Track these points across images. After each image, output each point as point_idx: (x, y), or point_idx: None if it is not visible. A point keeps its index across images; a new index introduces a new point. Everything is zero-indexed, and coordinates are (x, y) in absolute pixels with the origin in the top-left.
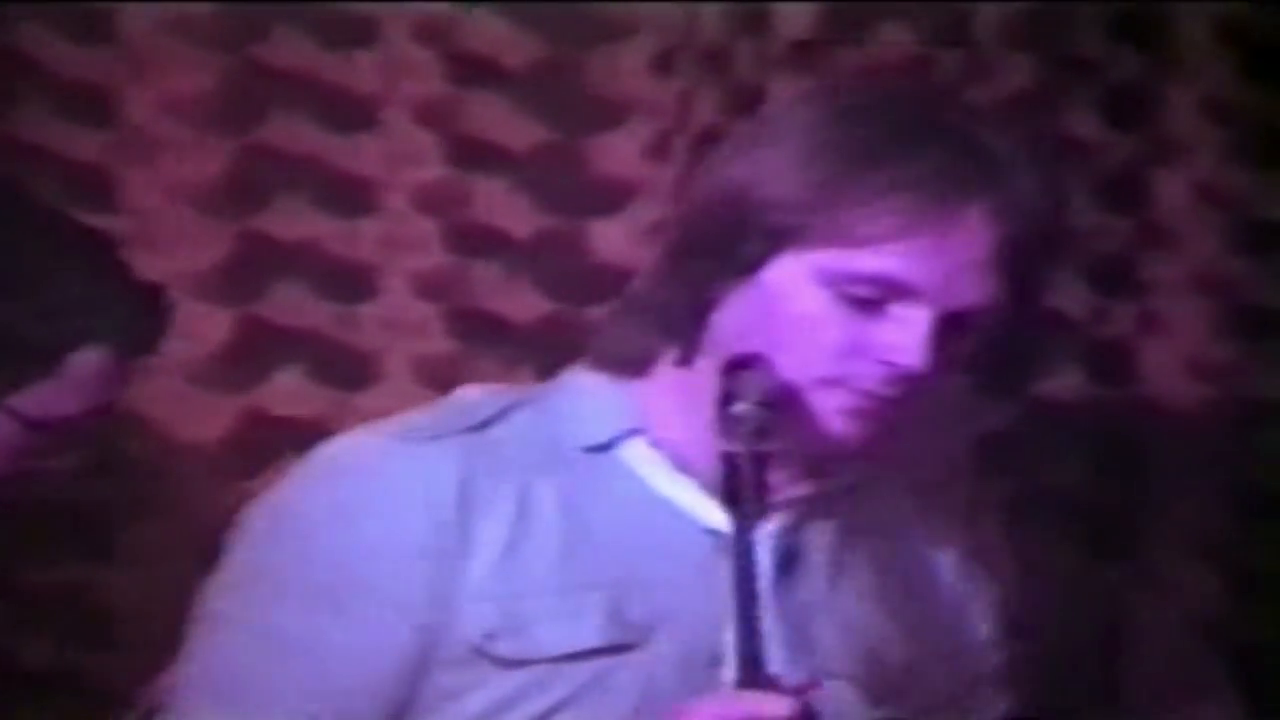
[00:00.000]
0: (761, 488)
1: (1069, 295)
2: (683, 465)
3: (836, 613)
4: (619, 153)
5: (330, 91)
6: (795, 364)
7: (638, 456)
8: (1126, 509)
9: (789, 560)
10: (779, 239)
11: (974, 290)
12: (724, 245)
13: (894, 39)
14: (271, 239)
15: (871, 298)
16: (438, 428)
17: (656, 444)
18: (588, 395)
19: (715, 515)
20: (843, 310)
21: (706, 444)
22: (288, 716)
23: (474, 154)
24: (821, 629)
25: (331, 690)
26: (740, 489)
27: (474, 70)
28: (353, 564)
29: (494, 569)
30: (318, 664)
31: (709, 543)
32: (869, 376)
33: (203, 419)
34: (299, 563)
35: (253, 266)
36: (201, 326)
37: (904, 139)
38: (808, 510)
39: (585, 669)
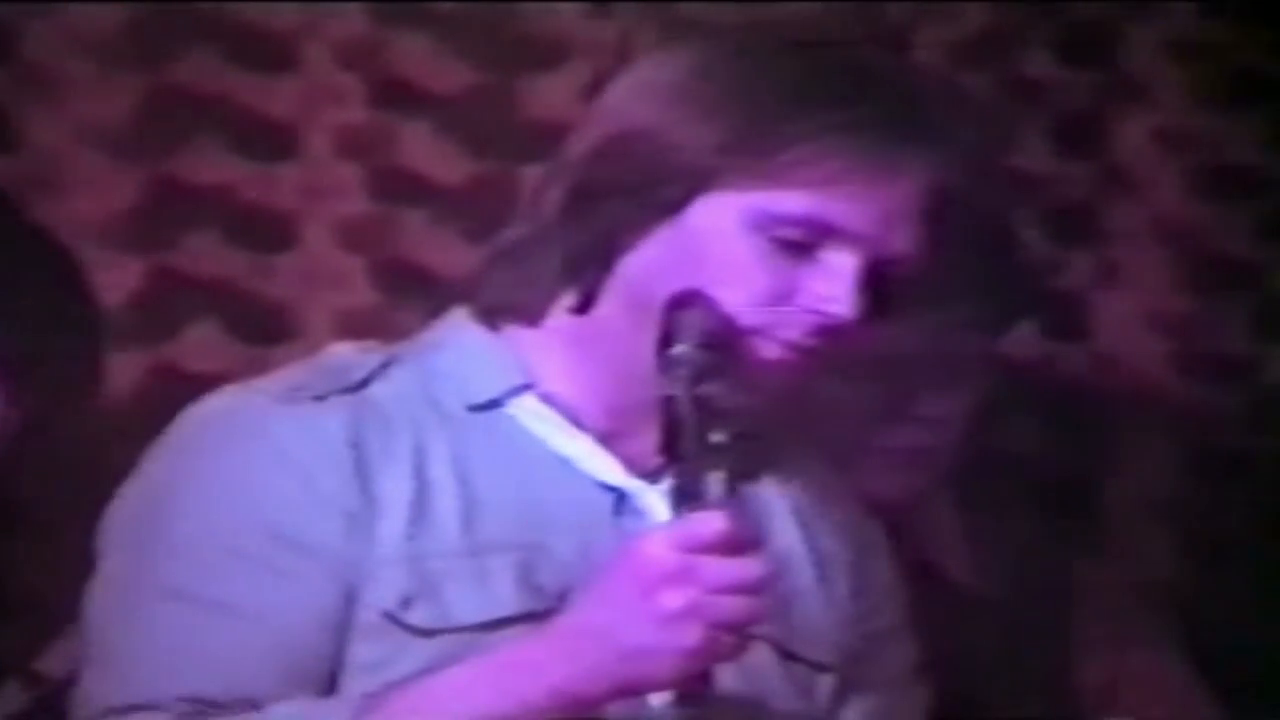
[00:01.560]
0: (703, 434)
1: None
2: (576, 420)
3: None
4: (554, 95)
5: (247, 29)
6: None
7: (529, 413)
8: (1081, 467)
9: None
10: (701, 180)
11: (904, 239)
12: (636, 187)
13: None
14: (184, 184)
15: (801, 241)
16: (318, 387)
17: (547, 399)
18: (471, 351)
19: (613, 471)
20: (771, 254)
21: (602, 395)
22: (230, 682)
23: (399, 95)
24: None
25: (273, 650)
26: (680, 435)
27: (399, 9)
28: (264, 521)
29: (401, 533)
30: (255, 625)
31: (608, 501)
32: (795, 325)
33: (110, 374)
34: (209, 529)
35: (164, 213)
36: (109, 276)
37: (838, 82)
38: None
39: (501, 639)
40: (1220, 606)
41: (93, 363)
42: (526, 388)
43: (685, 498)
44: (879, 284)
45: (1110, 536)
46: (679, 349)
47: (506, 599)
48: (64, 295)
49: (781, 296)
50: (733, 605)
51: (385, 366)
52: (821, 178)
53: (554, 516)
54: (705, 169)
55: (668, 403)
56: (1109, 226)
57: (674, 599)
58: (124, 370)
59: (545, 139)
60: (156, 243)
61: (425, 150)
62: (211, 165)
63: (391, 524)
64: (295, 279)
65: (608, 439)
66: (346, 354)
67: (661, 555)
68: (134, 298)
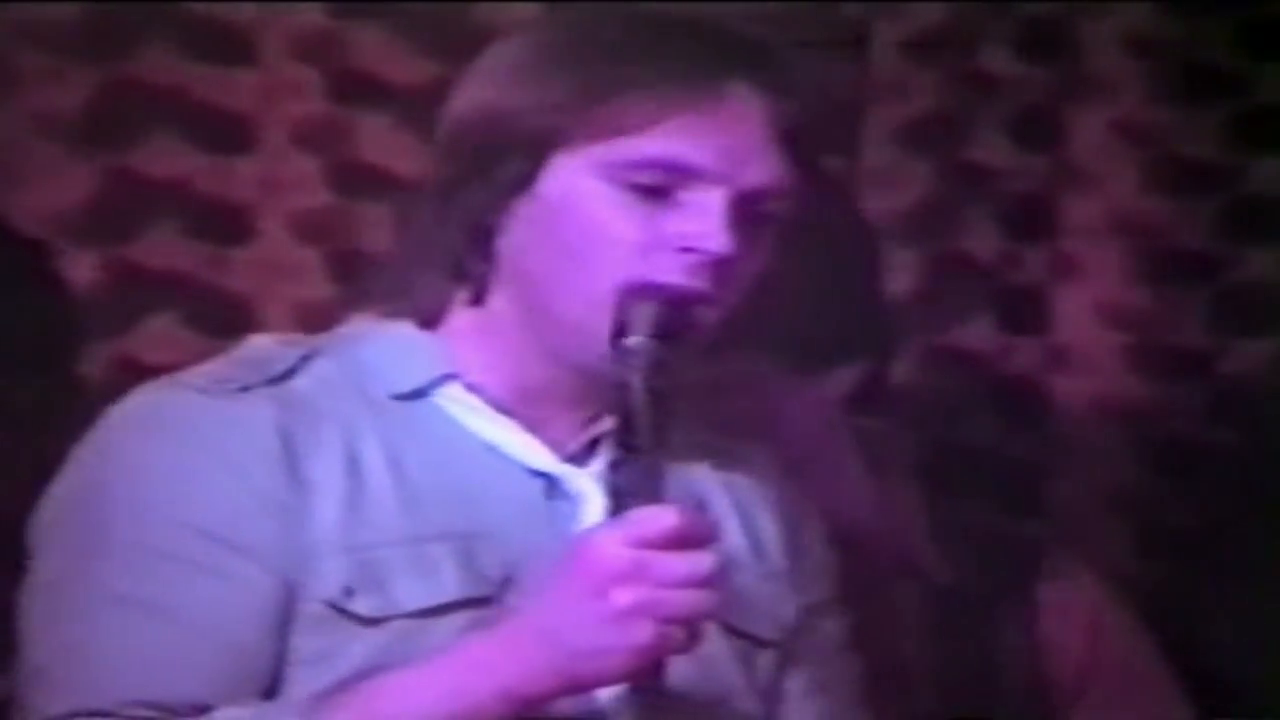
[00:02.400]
0: (660, 425)
1: (979, 237)
2: (501, 407)
3: None
4: None
5: (205, 22)
6: (597, 272)
7: (455, 401)
8: (1037, 462)
9: (619, 499)
10: (542, 145)
11: (759, 168)
12: (485, 167)
13: None
14: (141, 176)
15: (657, 184)
16: (241, 379)
17: (473, 388)
18: (393, 342)
19: (540, 456)
20: (630, 204)
21: (520, 382)
22: (174, 685)
23: (358, 88)
24: None
25: (215, 651)
26: (634, 425)
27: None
28: (198, 520)
29: (338, 522)
30: (195, 627)
31: (539, 486)
32: (673, 269)
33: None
34: (141, 530)
35: (121, 205)
36: (66, 269)
37: (659, 29)
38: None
39: (446, 625)
40: (1177, 600)
41: (62, 348)
42: (451, 377)
43: (637, 489)
44: (755, 220)
45: (1067, 530)
46: (633, 340)
47: (450, 585)
48: (32, 282)
49: (653, 244)
50: (684, 599)
51: (307, 359)
52: (655, 116)
53: (488, 503)
54: (544, 131)
55: (622, 392)
56: (1065, 220)
57: (625, 596)
58: (83, 362)
59: None
60: (113, 235)
61: (384, 143)
62: (168, 157)
63: (326, 513)
64: (254, 271)
65: (532, 425)
66: (267, 346)
67: (612, 553)
68: (92, 290)
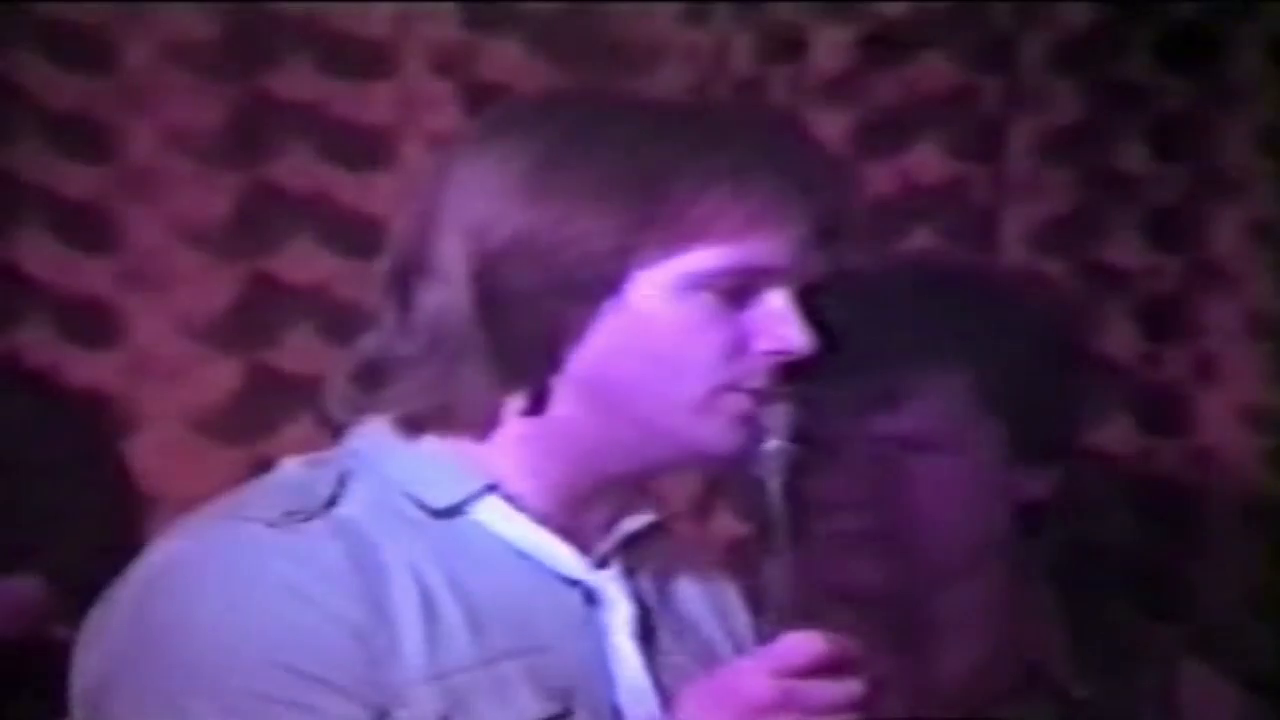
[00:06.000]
0: (796, 525)
1: (1118, 339)
2: (540, 517)
3: (683, 664)
4: None
5: (341, 122)
6: (688, 378)
7: (496, 514)
8: (1181, 566)
9: (645, 611)
10: (623, 261)
11: (819, 261)
12: (561, 286)
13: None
14: (281, 281)
15: (736, 287)
16: (298, 509)
17: (511, 498)
18: (425, 458)
19: (574, 564)
20: (715, 307)
21: (560, 488)
22: None
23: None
24: (675, 683)
25: None
26: (773, 531)
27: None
28: (289, 658)
29: (419, 650)
30: None
31: (577, 596)
32: (757, 373)
33: (206, 473)
34: (230, 669)
35: (261, 310)
36: (207, 374)
37: (704, 130)
38: (638, 549)
39: None
40: None
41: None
42: (492, 489)
43: (774, 600)
44: (810, 311)
45: (1207, 634)
46: (773, 443)
47: (529, 705)
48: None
49: (737, 347)
50: None
51: (343, 482)
52: (735, 225)
53: (537, 616)
54: (622, 250)
55: (759, 494)
56: (1203, 321)
57: None
58: (220, 469)
59: None
60: (254, 341)
61: None
62: (306, 263)
63: (407, 642)
64: None
65: (565, 529)
66: (298, 470)
67: (761, 685)
68: (232, 396)
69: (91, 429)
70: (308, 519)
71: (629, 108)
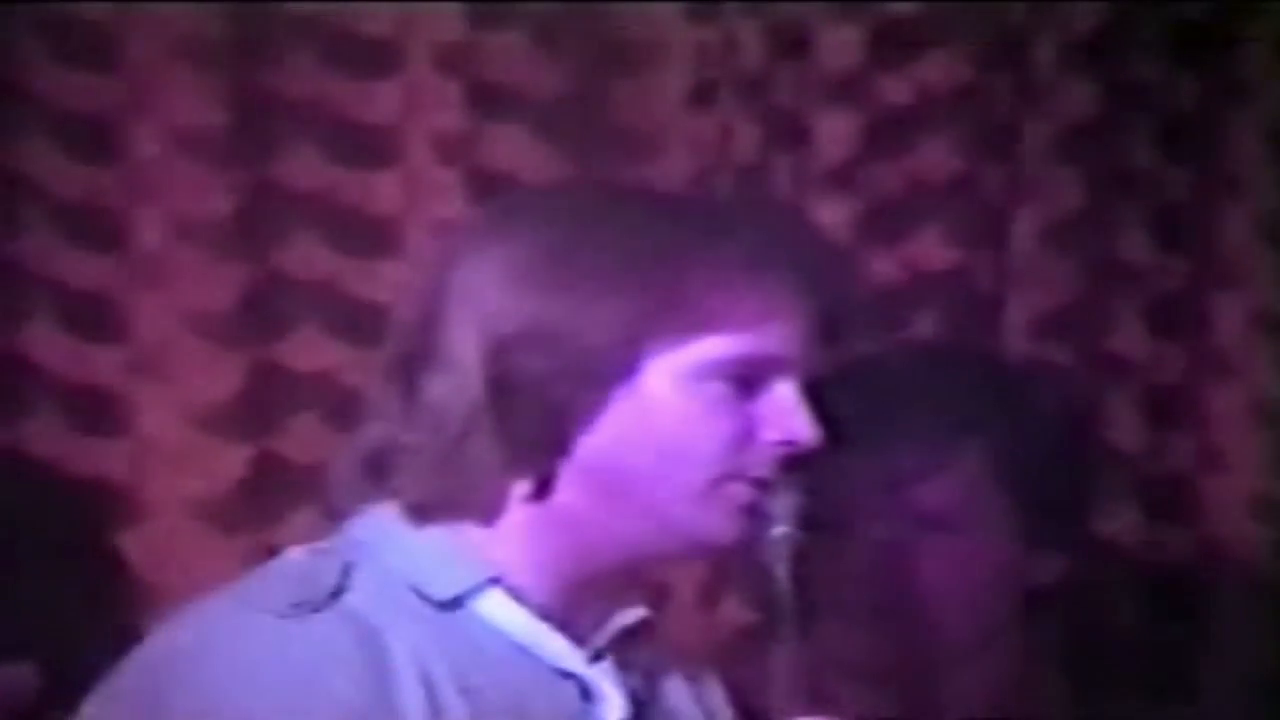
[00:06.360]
0: (803, 611)
1: (1123, 427)
2: (539, 609)
3: None
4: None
5: (350, 211)
6: (696, 466)
7: (497, 608)
8: (1187, 653)
9: (638, 705)
10: (633, 351)
11: (822, 355)
12: (574, 373)
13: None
14: (287, 369)
15: (747, 376)
16: (305, 600)
17: (514, 591)
18: (426, 549)
19: (570, 656)
20: (725, 396)
21: (560, 578)
22: None
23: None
24: None
25: None
26: (779, 610)
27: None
28: None
29: None
30: None
31: (574, 689)
32: (762, 463)
33: (210, 561)
34: None
35: (268, 398)
36: (213, 462)
37: (709, 222)
38: (628, 643)
39: None
40: None
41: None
42: (493, 581)
43: (782, 686)
44: (815, 403)
45: (1212, 717)
46: (779, 530)
47: None
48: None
49: (745, 437)
50: None
51: (347, 572)
52: (748, 314)
53: (534, 711)
54: (635, 338)
55: (766, 582)
56: (1208, 409)
57: None
58: (228, 559)
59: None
60: (260, 429)
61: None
62: (313, 350)
63: None
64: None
65: (561, 622)
66: (301, 559)
67: None
68: (239, 486)
69: (90, 517)
70: (315, 610)
71: (636, 196)
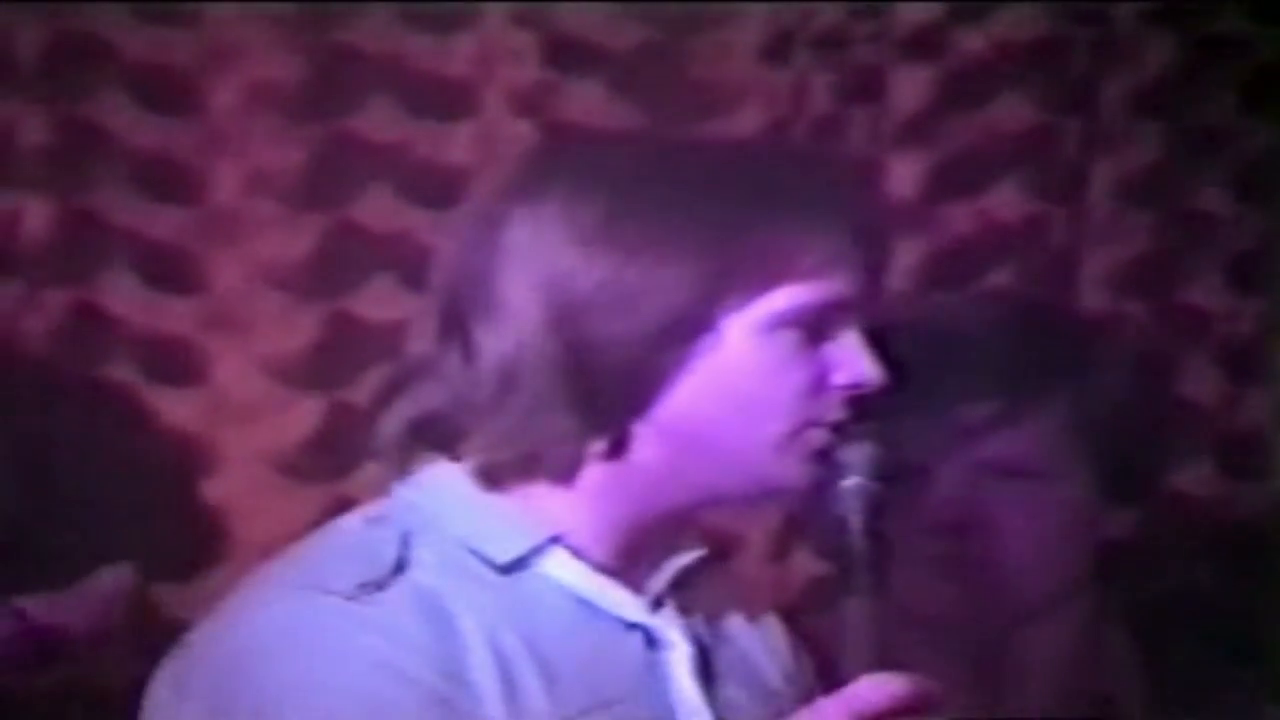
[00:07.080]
0: (877, 563)
1: (1198, 382)
2: (599, 563)
3: (742, 702)
4: None
5: (422, 165)
6: (775, 417)
7: (559, 566)
8: (1261, 610)
9: (703, 650)
10: (709, 310)
11: (879, 296)
12: (652, 335)
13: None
14: (360, 322)
15: (815, 324)
16: (370, 578)
17: (578, 550)
18: (491, 508)
19: (632, 607)
20: (797, 344)
21: (624, 534)
22: None
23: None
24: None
25: None
26: (853, 568)
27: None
28: None
29: (502, 712)
30: None
31: (638, 640)
32: (833, 406)
33: (286, 512)
34: None
35: (341, 350)
36: (288, 414)
37: (769, 173)
38: (689, 588)
39: None
40: None
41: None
42: (557, 540)
43: (855, 639)
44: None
45: None
46: (853, 481)
47: None
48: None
49: (817, 384)
50: None
51: (406, 543)
52: (815, 261)
53: (605, 666)
54: (710, 295)
55: (839, 533)
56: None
57: None
58: (301, 507)
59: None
60: (333, 381)
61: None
62: (386, 302)
63: (491, 708)
64: None
65: (619, 573)
66: (357, 530)
67: None
68: (315, 436)
69: (166, 467)
70: (380, 588)
71: (686, 150)
